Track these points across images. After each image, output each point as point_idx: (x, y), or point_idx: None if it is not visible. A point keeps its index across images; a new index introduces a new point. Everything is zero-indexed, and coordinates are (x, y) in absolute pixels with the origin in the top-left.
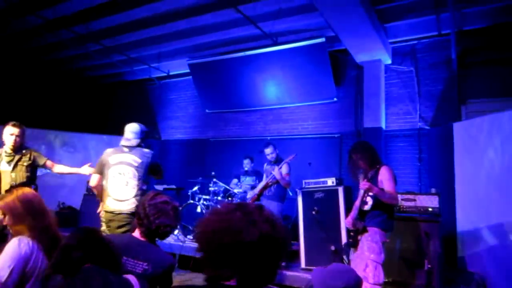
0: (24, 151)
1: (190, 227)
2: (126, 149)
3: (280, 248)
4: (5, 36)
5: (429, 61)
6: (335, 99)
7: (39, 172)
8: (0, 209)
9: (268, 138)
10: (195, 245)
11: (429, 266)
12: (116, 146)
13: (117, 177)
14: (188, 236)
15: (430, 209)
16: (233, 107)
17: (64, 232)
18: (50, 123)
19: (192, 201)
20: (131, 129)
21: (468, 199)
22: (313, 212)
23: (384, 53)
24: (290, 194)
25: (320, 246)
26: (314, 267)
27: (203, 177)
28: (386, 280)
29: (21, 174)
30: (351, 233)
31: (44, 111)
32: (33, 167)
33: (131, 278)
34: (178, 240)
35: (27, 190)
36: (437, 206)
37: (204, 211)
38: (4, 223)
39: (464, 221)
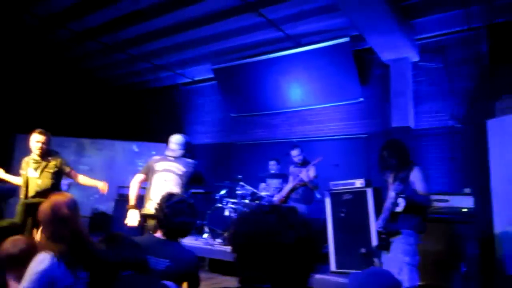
0: (50, 158)
1: (218, 230)
2: (171, 158)
3: (316, 251)
4: (38, 49)
5: (459, 56)
6: (361, 99)
7: (67, 181)
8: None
9: (294, 140)
10: (224, 248)
11: (465, 269)
12: (150, 152)
13: (161, 183)
14: (217, 240)
15: (464, 210)
16: (258, 110)
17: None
18: (81, 131)
19: (220, 205)
20: (176, 141)
21: (506, 198)
22: (342, 214)
23: (411, 50)
24: (318, 196)
25: (349, 248)
26: (343, 270)
27: (230, 180)
28: (421, 283)
29: (47, 180)
30: (383, 236)
31: (76, 120)
32: (58, 175)
33: (170, 284)
34: (207, 243)
35: (59, 197)
36: (472, 206)
37: (232, 214)
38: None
39: (502, 221)
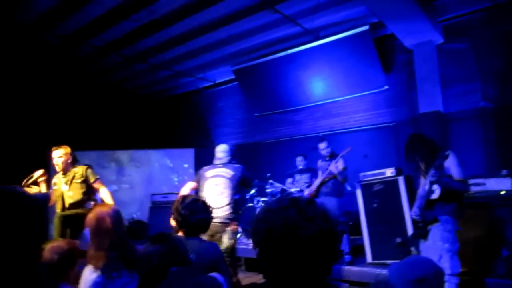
0: (75, 169)
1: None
2: (220, 165)
3: (336, 242)
4: (64, 67)
5: (486, 35)
6: (385, 87)
7: (110, 189)
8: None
9: (319, 134)
10: None
11: (507, 253)
12: (178, 159)
13: (213, 187)
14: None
15: (502, 193)
16: (281, 107)
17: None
18: (113, 143)
19: (251, 204)
20: (221, 150)
21: None
22: (374, 205)
23: (434, 33)
24: (349, 188)
25: (384, 239)
26: (380, 261)
27: (259, 179)
28: (463, 270)
29: (77, 191)
30: (419, 224)
31: (106, 132)
32: (85, 185)
33: (218, 276)
34: (242, 243)
35: (103, 209)
36: (510, 188)
37: None
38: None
39: None
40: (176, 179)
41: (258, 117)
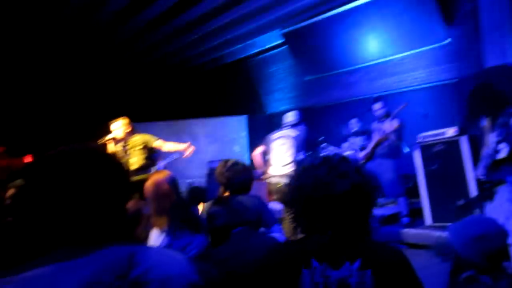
0: (135, 138)
1: None
2: (285, 127)
3: (370, 197)
4: (116, 45)
5: None
6: (447, 40)
7: (163, 162)
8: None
9: (375, 95)
10: None
11: None
12: (231, 127)
13: (278, 148)
14: None
15: None
16: (333, 69)
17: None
18: (171, 114)
19: None
20: (289, 114)
21: None
22: (434, 167)
23: None
24: (407, 149)
25: (445, 201)
26: (441, 224)
27: (312, 144)
28: None
29: (139, 157)
30: (485, 185)
31: (160, 106)
32: (147, 150)
33: (279, 236)
34: None
35: (159, 175)
36: None
37: None
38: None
39: None
40: (232, 147)
41: (309, 80)
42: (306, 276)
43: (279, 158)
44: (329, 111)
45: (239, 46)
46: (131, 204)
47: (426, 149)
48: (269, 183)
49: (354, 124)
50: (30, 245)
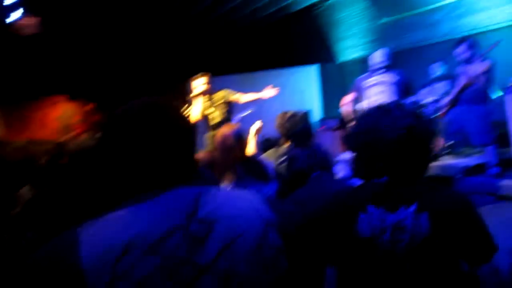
0: (214, 94)
1: None
2: (380, 71)
3: (426, 139)
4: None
5: None
6: None
7: (237, 116)
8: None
9: (461, 36)
10: None
11: None
12: (302, 77)
13: (377, 95)
14: None
15: None
16: (413, 7)
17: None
18: (242, 67)
19: None
20: (378, 55)
21: None
22: None
23: None
24: (500, 93)
25: None
26: None
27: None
28: None
29: (221, 111)
30: None
31: (230, 60)
32: (227, 105)
33: (355, 180)
34: None
35: (226, 129)
36: None
37: None
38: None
39: None
40: (304, 98)
41: (386, 23)
42: (364, 220)
43: None
44: (408, 55)
45: None
46: (204, 155)
47: None
48: None
49: (436, 69)
50: (106, 194)
